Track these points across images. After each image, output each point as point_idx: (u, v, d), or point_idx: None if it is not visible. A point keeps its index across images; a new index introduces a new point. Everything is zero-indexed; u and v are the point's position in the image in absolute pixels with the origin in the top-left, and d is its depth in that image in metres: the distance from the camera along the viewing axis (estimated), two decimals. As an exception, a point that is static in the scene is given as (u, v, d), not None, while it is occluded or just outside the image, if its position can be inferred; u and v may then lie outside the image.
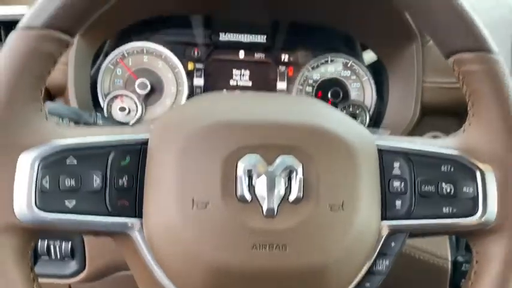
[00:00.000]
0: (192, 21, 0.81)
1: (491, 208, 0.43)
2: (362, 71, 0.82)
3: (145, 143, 0.41)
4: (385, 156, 0.44)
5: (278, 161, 0.39)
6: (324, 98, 0.82)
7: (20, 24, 0.39)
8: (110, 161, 0.40)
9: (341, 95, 0.81)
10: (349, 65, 0.82)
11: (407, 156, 0.45)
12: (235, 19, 0.81)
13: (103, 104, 0.77)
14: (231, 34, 0.81)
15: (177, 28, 0.81)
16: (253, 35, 0.82)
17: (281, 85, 0.82)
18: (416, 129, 0.74)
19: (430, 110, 0.73)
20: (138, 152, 0.41)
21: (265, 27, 0.82)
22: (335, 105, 0.81)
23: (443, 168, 0.44)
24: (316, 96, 0.83)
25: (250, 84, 0.83)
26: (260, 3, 0.75)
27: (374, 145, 0.44)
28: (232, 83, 0.83)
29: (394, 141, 0.45)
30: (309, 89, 0.82)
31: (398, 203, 0.44)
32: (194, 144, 0.39)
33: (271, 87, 0.83)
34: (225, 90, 0.83)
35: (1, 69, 0.38)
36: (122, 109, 0.77)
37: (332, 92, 0.81)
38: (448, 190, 0.44)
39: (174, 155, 0.39)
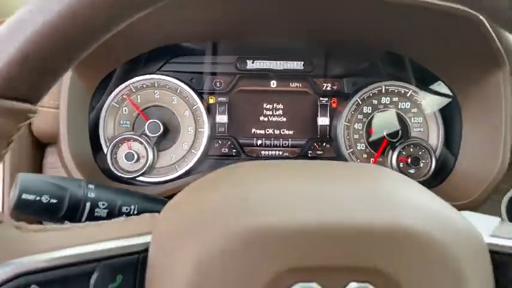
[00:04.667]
0: (212, 47, 0.66)
1: None
2: (426, 102, 0.65)
3: (145, 251, 0.29)
4: (500, 260, 0.31)
5: None
6: (379, 137, 0.66)
7: None
8: (92, 286, 0.28)
9: (400, 133, 0.65)
10: (408, 95, 0.66)
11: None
12: (265, 44, 0.66)
13: (106, 150, 0.63)
14: (261, 61, 0.66)
15: (194, 56, 0.66)
16: (288, 62, 0.66)
17: (323, 120, 0.67)
18: (504, 180, 0.57)
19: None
20: (134, 267, 0.28)
21: (301, 52, 0.66)
22: (393, 145, 0.65)
23: None
24: (367, 134, 0.66)
25: (284, 119, 0.68)
26: (296, 25, 0.59)
27: (485, 246, 0.30)
28: (262, 119, 0.68)
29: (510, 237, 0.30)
30: (358, 126, 0.66)
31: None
32: (218, 261, 0.26)
33: (311, 124, 0.67)
34: (253, 129, 0.67)
35: None
36: (129, 156, 0.63)
37: (388, 129, 0.65)
38: None
39: (188, 275, 0.26)
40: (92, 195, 0.43)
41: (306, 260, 0.26)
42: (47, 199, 0.40)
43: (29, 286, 0.27)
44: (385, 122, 0.66)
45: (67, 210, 0.41)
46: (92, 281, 0.28)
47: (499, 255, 0.31)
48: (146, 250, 0.29)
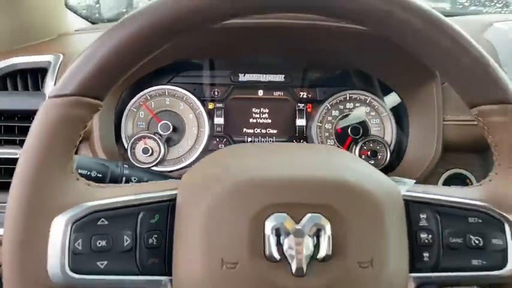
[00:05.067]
0: (212, 63, 0.83)
1: (522, 260, 0.43)
2: (382, 107, 0.82)
3: (173, 200, 0.42)
4: (412, 207, 0.44)
5: (306, 219, 0.39)
6: (344, 134, 0.82)
7: (51, 93, 0.41)
8: (139, 220, 0.40)
9: (361, 131, 0.82)
10: (368, 102, 0.83)
11: (434, 207, 0.45)
12: (254, 61, 0.82)
13: (127, 145, 0.79)
14: (250, 75, 0.83)
15: (196, 70, 0.82)
16: (272, 75, 0.83)
17: (300, 122, 0.83)
18: (438, 166, 0.74)
19: (452, 147, 0.73)
20: (167, 209, 0.41)
21: (283, 67, 0.83)
22: (355, 141, 0.81)
23: (471, 219, 0.44)
24: (336, 132, 0.83)
25: (270, 121, 0.84)
26: (280, 48, 0.77)
27: (401, 197, 0.44)
28: (251, 120, 0.84)
29: (421, 193, 0.45)
30: (328, 125, 0.83)
31: (426, 255, 0.44)
32: (221, 203, 0.40)
33: (291, 124, 0.84)
34: (244, 129, 0.84)
35: (34, 135, 0.40)
36: (145, 150, 0.79)
37: (352, 128, 0.82)
38: (477, 242, 0.43)
39: (202, 213, 0.39)
40: (126, 172, 0.58)
41: (280, 199, 0.40)
42: (95, 174, 0.56)
43: (99, 219, 0.40)
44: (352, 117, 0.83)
45: (109, 182, 0.57)
46: (140, 216, 0.40)
47: (409, 203, 0.44)
48: (174, 199, 0.42)
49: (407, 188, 0.46)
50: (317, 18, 0.65)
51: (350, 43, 0.71)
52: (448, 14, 0.98)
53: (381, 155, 0.81)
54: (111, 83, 0.42)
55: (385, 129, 0.83)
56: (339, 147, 0.83)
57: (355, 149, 0.81)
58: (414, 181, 0.50)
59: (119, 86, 0.77)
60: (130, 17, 0.41)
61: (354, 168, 0.44)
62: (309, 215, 0.39)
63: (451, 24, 0.43)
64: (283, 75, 0.83)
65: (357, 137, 0.81)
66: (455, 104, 0.71)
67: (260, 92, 0.84)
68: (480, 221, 0.44)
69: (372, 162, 0.81)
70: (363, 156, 0.81)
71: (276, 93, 0.84)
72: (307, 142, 0.83)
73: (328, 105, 0.83)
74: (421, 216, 0.44)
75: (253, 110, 0.84)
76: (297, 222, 0.39)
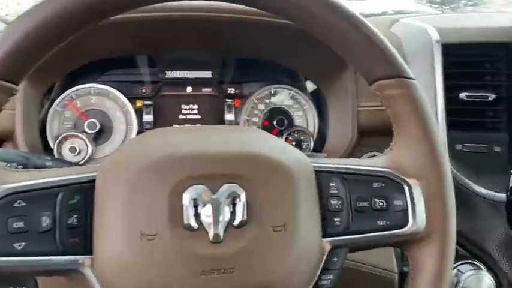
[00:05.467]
0: (138, 60, 0.84)
1: (420, 218, 0.47)
2: (304, 100, 0.87)
3: (93, 181, 0.42)
4: (321, 177, 0.48)
5: (222, 189, 0.42)
6: (271, 126, 0.86)
7: None
8: (58, 201, 0.41)
9: (286, 122, 0.86)
10: (291, 95, 0.87)
11: (342, 175, 0.48)
12: (180, 57, 0.84)
13: (53, 145, 0.78)
14: (177, 71, 0.85)
15: (124, 68, 0.83)
16: (199, 71, 0.85)
17: (229, 116, 0.86)
18: (355, 150, 0.79)
19: (367, 131, 0.78)
20: (86, 190, 0.42)
21: (210, 63, 0.86)
22: (281, 132, 0.85)
23: (375, 184, 0.48)
24: (262, 125, 0.87)
25: (199, 117, 0.86)
26: (201, 42, 0.79)
27: (311, 167, 0.47)
28: (181, 117, 0.86)
29: (329, 163, 0.49)
30: (255, 119, 0.86)
31: (337, 220, 0.47)
32: (140, 179, 0.41)
33: (220, 119, 0.86)
34: (174, 125, 0.85)
35: None
36: (72, 149, 0.78)
37: (277, 120, 0.86)
38: (381, 204, 0.48)
39: (121, 190, 0.41)
40: (48, 164, 0.58)
41: (197, 171, 0.42)
42: (15, 166, 0.55)
43: (16, 201, 0.39)
44: (275, 115, 0.86)
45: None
46: (58, 197, 0.40)
47: (319, 173, 0.48)
48: (93, 181, 0.42)
49: (318, 160, 0.50)
50: (233, 11, 0.69)
51: (266, 36, 0.75)
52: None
53: (306, 144, 0.85)
54: (25, 66, 0.42)
55: (308, 120, 0.87)
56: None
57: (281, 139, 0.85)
58: (325, 154, 0.54)
59: (41, 84, 0.77)
60: (41, 2, 0.42)
61: (267, 142, 0.47)
62: (225, 185, 0.42)
63: (346, 8, 0.47)
64: (211, 72, 0.86)
65: (282, 128, 0.85)
66: (367, 91, 0.77)
67: (189, 89, 0.86)
68: (383, 185, 0.48)
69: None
70: (290, 147, 0.85)
71: (205, 90, 0.86)
72: (236, 135, 0.86)
73: (254, 99, 0.86)
74: (331, 184, 0.48)
75: (183, 106, 0.86)
76: (214, 192, 0.42)
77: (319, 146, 0.85)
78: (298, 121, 0.87)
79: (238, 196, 0.42)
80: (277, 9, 0.47)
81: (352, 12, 0.48)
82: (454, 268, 0.73)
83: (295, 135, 0.86)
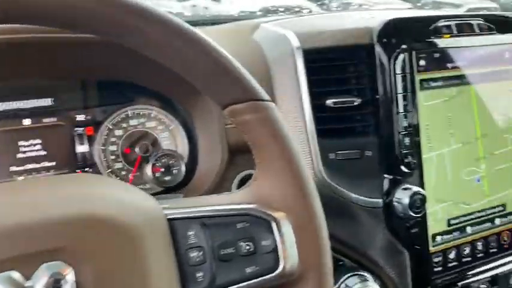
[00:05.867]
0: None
1: (292, 257, 0.42)
2: (169, 120, 0.78)
3: None
4: (177, 226, 0.41)
5: (39, 272, 0.32)
6: (133, 154, 0.76)
7: None
8: None
9: (150, 147, 0.76)
10: (153, 116, 0.78)
11: (201, 221, 0.41)
12: (12, 85, 0.70)
13: None
14: (8, 103, 0.70)
15: None
16: (37, 99, 0.72)
17: (81, 148, 0.74)
18: (229, 170, 0.73)
19: (238, 150, 0.72)
20: None
21: (50, 88, 0.73)
22: (146, 159, 0.75)
23: (240, 225, 0.42)
24: (123, 153, 0.76)
25: (44, 153, 0.73)
26: (34, 67, 0.66)
27: (162, 217, 0.40)
28: (20, 156, 0.71)
29: (185, 208, 0.41)
30: (113, 147, 0.75)
31: (199, 274, 0.40)
32: None
33: (70, 152, 0.73)
34: (12, 167, 0.71)
35: None
36: None
37: (140, 146, 0.76)
38: (248, 248, 0.41)
39: None
40: None
41: (2, 253, 0.33)
42: None
43: None
44: (136, 140, 0.76)
45: None
46: None
47: (174, 222, 0.41)
48: None
49: (172, 205, 0.42)
50: (56, 31, 0.57)
51: (111, 54, 0.65)
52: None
53: (176, 170, 0.76)
54: None
55: (177, 142, 0.79)
56: (128, 169, 0.76)
57: (146, 168, 0.75)
58: (182, 195, 0.46)
59: None
60: None
61: (102, 195, 0.38)
62: (44, 265, 0.32)
63: (183, 25, 0.40)
64: (52, 98, 0.73)
65: (147, 154, 0.76)
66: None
67: (26, 121, 0.72)
68: (248, 224, 0.42)
69: (168, 178, 0.76)
70: (157, 174, 0.76)
71: (47, 120, 0.73)
72: (92, 170, 0.74)
73: (109, 125, 0.75)
74: (189, 233, 0.41)
75: (21, 143, 0.71)
76: (28, 278, 0.32)
77: (191, 172, 0.77)
78: (165, 144, 0.78)
79: (63, 277, 0.32)
80: (100, 32, 0.38)
81: (188, 27, 0.40)
82: (342, 283, 0.70)
83: (163, 161, 0.76)
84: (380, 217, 0.72)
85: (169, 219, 0.40)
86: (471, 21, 0.77)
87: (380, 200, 0.71)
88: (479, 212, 0.79)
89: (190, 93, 0.73)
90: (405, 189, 0.70)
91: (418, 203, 0.69)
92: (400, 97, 0.70)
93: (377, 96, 0.72)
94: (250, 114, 0.43)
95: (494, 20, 0.79)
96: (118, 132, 0.76)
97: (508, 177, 0.82)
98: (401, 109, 0.71)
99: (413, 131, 0.72)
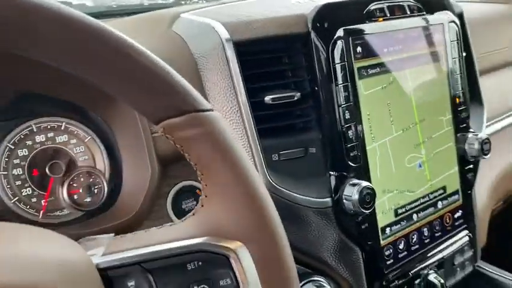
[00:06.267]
0: None
1: (258, 294, 0.35)
2: (83, 132, 0.67)
3: None
4: (112, 277, 0.32)
5: None
6: (42, 176, 0.64)
7: None
8: None
9: (63, 167, 0.65)
10: (63, 128, 0.66)
11: (142, 266, 0.33)
12: None
13: None
14: None
15: None
16: None
17: (-25, 176, 0.61)
18: (163, 185, 0.64)
19: (171, 160, 0.63)
20: None
21: None
22: (61, 181, 0.64)
23: (191, 266, 0.34)
24: (30, 176, 0.63)
25: None
26: None
27: (94, 270, 0.31)
28: None
29: (120, 252, 0.33)
30: (17, 171, 0.63)
31: (147, 334, 0.32)
32: None
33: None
34: None
35: None
36: None
37: (50, 166, 0.64)
38: None
39: None
40: None
41: None
42: None
43: None
44: (45, 159, 0.64)
45: None
46: None
47: (109, 273, 0.33)
48: None
49: (103, 250, 0.33)
50: None
51: (8, 60, 0.53)
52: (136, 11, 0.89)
53: (98, 188, 0.66)
54: None
55: (95, 157, 0.68)
56: (39, 194, 0.64)
57: (62, 191, 0.64)
58: (113, 235, 0.37)
59: None
60: None
61: (10, 255, 0.28)
62: None
63: (89, 21, 0.31)
64: None
65: (60, 175, 0.64)
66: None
67: None
68: (200, 263, 0.34)
69: (89, 199, 0.65)
70: (76, 196, 0.65)
71: None
72: (-7, 200, 0.61)
73: (9, 145, 0.62)
74: (129, 283, 0.32)
75: None
76: None
77: (115, 189, 0.66)
78: (82, 160, 0.67)
79: None
80: None
81: (97, 23, 0.31)
82: (297, 292, 0.65)
83: (82, 180, 0.65)
84: (330, 216, 0.67)
85: (101, 270, 0.32)
86: (402, 3, 0.74)
87: (329, 199, 0.67)
88: (423, 198, 0.78)
89: (105, 99, 0.62)
90: (353, 184, 0.66)
91: (368, 197, 0.65)
92: (340, 88, 0.66)
93: (316, 88, 0.66)
94: (190, 129, 0.35)
95: (423, 0, 0.77)
96: (22, 152, 0.63)
97: (446, 159, 0.82)
98: (342, 101, 0.66)
99: (356, 122, 0.68)
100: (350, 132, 0.67)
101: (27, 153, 0.64)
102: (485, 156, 0.82)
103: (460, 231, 0.84)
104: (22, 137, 0.63)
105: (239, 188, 0.36)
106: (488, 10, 1.18)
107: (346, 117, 0.67)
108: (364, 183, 0.66)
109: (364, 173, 0.69)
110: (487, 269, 0.91)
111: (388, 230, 0.73)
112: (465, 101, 0.84)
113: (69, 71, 0.34)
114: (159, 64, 0.35)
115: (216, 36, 0.63)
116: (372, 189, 0.66)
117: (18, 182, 0.63)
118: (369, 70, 0.70)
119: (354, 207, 0.65)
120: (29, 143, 0.64)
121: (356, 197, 0.65)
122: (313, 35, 0.65)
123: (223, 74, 0.63)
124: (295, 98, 0.65)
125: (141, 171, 0.62)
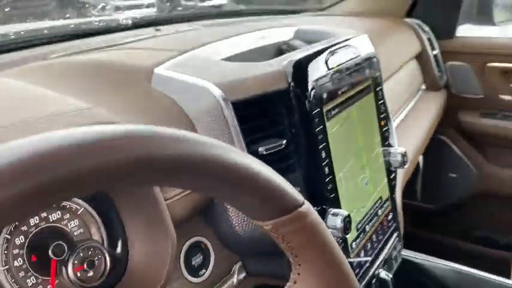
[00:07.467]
0: None
1: None
2: (74, 204, 0.63)
3: None
4: None
5: None
6: (44, 259, 0.59)
7: None
8: None
9: (65, 247, 0.60)
10: (54, 205, 0.61)
11: None
12: None
13: None
14: None
15: None
16: None
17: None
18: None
19: (182, 221, 0.65)
20: None
21: None
22: (64, 263, 0.60)
23: None
24: (29, 260, 0.58)
25: None
26: None
27: None
28: None
29: None
30: (18, 261, 0.57)
31: None
32: None
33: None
34: None
35: None
36: None
37: (53, 248, 0.59)
38: None
39: None
40: None
41: None
42: None
43: None
44: (48, 240, 0.59)
45: None
46: None
47: None
48: None
49: None
50: None
51: None
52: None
53: (98, 260, 0.63)
54: None
55: (90, 228, 0.64)
56: (44, 280, 0.59)
57: (67, 272, 0.60)
58: None
59: None
60: None
61: None
62: None
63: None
64: None
65: (63, 256, 0.60)
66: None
67: None
68: None
69: (91, 274, 0.62)
70: (79, 274, 0.61)
71: None
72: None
73: (6, 235, 0.56)
74: None
75: None
76: None
77: (121, 259, 0.64)
78: (78, 234, 0.63)
79: None
80: None
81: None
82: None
83: (82, 255, 0.62)
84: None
85: None
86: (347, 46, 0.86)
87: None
88: (370, 210, 0.92)
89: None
90: (334, 214, 0.76)
91: (348, 224, 0.76)
92: (318, 131, 0.75)
93: (298, 134, 0.74)
94: (293, 225, 0.41)
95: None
96: (19, 240, 0.57)
97: (380, 173, 0.97)
98: (319, 144, 0.75)
99: (329, 159, 0.77)
100: (326, 169, 0.77)
101: (23, 240, 0.58)
102: (405, 166, 1.01)
103: (394, 231, 1.01)
104: (17, 223, 0.57)
105: (333, 269, 0.43)
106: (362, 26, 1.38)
107: (323, 156, 0.76)
108: (342, 211, 0.76)
109: (336, 201, 0.79)
110: (407, 254, 1.12)
111: (354, 244, 0.85)
112: (387, 122, 1.00)
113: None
114: (264, 169, 0.39)
115: (211, 97, 0.66)
116: (349, 215, 0.77)
117: (21, 274, 0.57)
118: (331, 111, 0.80)
119: (337, 235, 0.75)
120: (23, 228, 0.58)
121: (341, 225, 0.75)
122: (292, 88, 0.72)
123: (223, 133, 0.66)
124: (283, 146, 0.72)
125: (157, 252, 0.61)
